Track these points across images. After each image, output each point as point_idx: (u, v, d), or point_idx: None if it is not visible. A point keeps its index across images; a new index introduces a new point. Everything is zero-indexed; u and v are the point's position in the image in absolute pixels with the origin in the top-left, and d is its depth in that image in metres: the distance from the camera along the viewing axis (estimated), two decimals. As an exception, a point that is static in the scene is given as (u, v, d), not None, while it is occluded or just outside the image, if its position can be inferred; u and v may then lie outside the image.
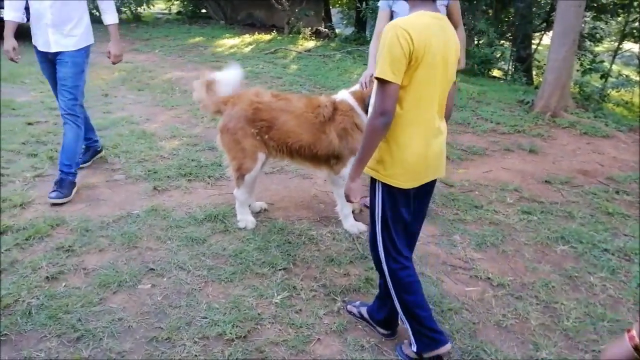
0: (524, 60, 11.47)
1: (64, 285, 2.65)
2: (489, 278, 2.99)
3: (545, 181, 4.59)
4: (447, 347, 2.19)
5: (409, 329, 2.22)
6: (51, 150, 4.46)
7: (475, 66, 9.98)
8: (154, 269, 2.83)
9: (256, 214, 3.58)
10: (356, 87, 3.25)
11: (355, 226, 3.40)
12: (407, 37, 1.84)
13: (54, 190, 3.56)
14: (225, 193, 3.83)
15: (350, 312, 2.59)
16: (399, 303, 2.21)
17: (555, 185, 4.52)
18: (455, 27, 3.42)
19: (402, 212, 2.12)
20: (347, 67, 9.16)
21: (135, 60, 9.41)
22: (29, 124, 5.23)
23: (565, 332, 2.57)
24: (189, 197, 3.79)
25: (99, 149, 4.38)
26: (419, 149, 2.02)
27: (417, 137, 2.01)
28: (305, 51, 10.87)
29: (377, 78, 1.89)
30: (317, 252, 3.13)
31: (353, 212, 3.63)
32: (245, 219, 3.37)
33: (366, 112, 3.10)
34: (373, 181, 2.12)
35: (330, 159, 3.25)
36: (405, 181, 2.05)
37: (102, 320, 2.41)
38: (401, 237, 2.18)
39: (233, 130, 3.20)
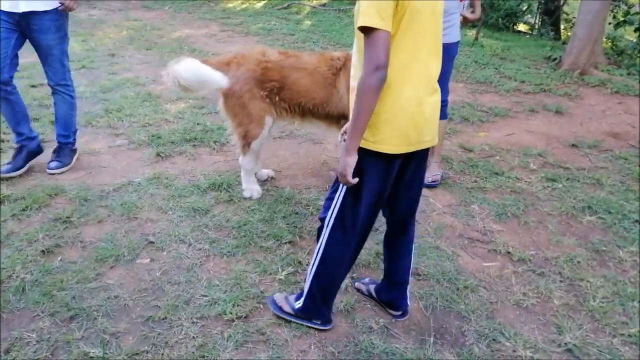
0: (552, 14, 10.79)
1: (60, 260, 2.54)
2: (508, 252, 2.79)
3: (572, 145, 4.29)
4: (326, 327, 2.18)
5: (306, 290, 2.12)
6: (53, 114, 4.30)
7: (499, 20, 9.45)
8: (153, 242, 2.70)
9: (262, 182, 3.40)
10: None
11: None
12: None
13: (52, 160, 3.42)
14: (231, 160, 3.66)
15: (358, 290, 2.43)
16: (316, 271, 2.06)
17: (582, 149, 4.22)
18: None
19: (380, 183, 1.89)
20: (363, 23, 8.71)
21: (144, 18, 9.12)
22: (32, 86, 5.08)
23: (591, 313, 2.37)
24: (193, 164, 3.62)
25: (36, 149, 3.49)
26: (411, 107, 1.77)
27: (409, 93, 1.75)
28: (320, 5, 10.41)
29: (363, 28, 1.61)
30: (325, 223, 2.96)
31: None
32: (251, 188, 3.20)
33: None
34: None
35: (340, 120, 3.04)
36: (398, 145, 1.80)
37: (97, 297, 2.30)
38: (366, 213, 1.95)
39: (239, 93, 2.97)
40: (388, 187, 1.94)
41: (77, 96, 4.81)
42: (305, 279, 2.15)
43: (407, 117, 1.78)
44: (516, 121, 4.81)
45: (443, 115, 3.32)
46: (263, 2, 10.85)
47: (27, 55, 3.62)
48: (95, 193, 3.15)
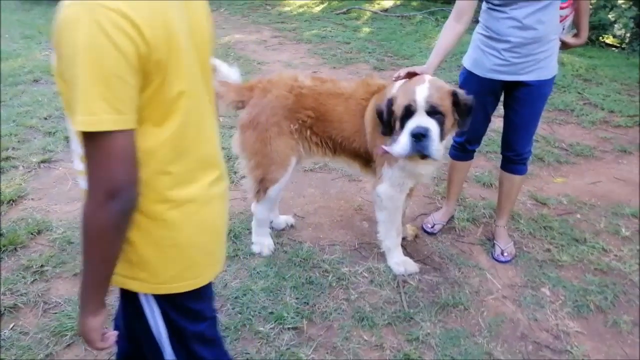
0: (647, 26, 9.45)
1: (12, 328, 2.08)
2: (590, 370, 2.04)
3: (678, 203, 3.38)
4: None
5: None
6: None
7: (584, 33, 8.32)
8: (127, 312, 2.19)
9: (279, 231, 2.82)
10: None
11: (403, 264, 2.53)
12: (124, 24, 0.90)
13: None
14: (248, 198, 3.10)
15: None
16: None
17: (692, 210, 3.31)
18: None
19: (199, 324, 1.27)
20: (427, 32, 7.95)
21: (197, 20, 8.84)
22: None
23: None
24: (203, 200, 3.10)
25: None
26: (210, 211, 1.17)
27: (198, 195, 1.14)
28: (382, 11, 9.71)
29: (83, 133, 0.94)
30: (344, 302, 2.32)
31: (405, 239, 2.76)
32: (262, 243, 2.63)
33: None
34: (131, 297, 1.19)
35: (370, 161, 2.43)
36: (200, 274, 1.20)
37: (35, 394, 1.80)
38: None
39: (264, 125, 2.39)
40: (212, 309, 1.36)
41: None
42: None
43: (207, 228, 1.17)
44: (603, 164, 3.93)
45: (523, 169, 2.60)
46: (321, 7, 10.30)
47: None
48: (82, 234, 2.70)
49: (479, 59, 2.39)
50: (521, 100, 2.36)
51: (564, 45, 2.46)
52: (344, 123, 2.41)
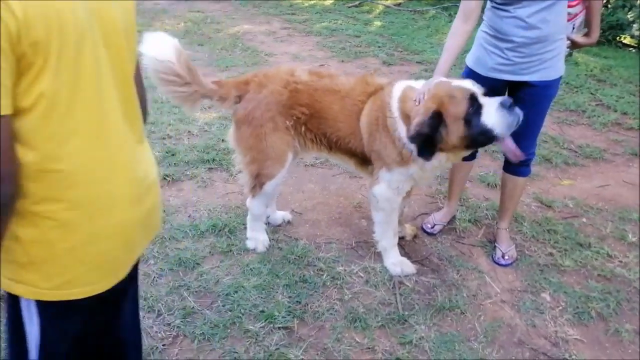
0: (665, 26, 9.22)
1: None
2: (588, 381, 1.97)
3: (688, 210, 3.28)
4: None
5: None
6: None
7: (600, 32, 8.13)
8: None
9: (275, 227, 2.78)
10: (418, 86, 2.22)
11: (400, 265, 2.48)
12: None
13: None
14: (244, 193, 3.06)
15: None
16: None
17: (703, 217, 3.21)
18: None
19: (87, 337, 1.19)
20: (440, 27, 7.82)
21: (207, 10, 8.79)
22: None
23: None
24: (201, 193, 3.06)
25: None
26: (109, 216, 1.08)
27: (99, 194, 1.06)
28: (395, 5, 9.58)
29: None
30: (337, 302, 2.27)
31: (403, 238, 2.71)
32: (256, 239, 2.58)
33: (404, 119, 2.16)
34: (14, 301, 1.10)
35: (365, 163, 2.37)
36: (95, 281, 1.10)
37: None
38: None
39: (259, 121, 2.33)
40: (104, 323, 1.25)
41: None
42: None
43: (111, 233, 1.09)
44: (613, 167, 3.83)
45: (526, 171, 2.53)
46: (334, -1, 10.18)
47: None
48: (77, 224, 2.68)
49: (482, 58, 2.32)
50: (525, 101, 2.29)
51: (574, 45, 2.37)
52: (339, 123, 2.34)
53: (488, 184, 3.39)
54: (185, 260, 2.44)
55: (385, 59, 6.19)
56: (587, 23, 2.37)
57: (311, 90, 2.34)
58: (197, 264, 2.44)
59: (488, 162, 3.69)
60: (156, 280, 2.31)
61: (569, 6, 2.20)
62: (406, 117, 2.14)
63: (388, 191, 2.32)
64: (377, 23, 8.20)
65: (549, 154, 3.86)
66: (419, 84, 2.22)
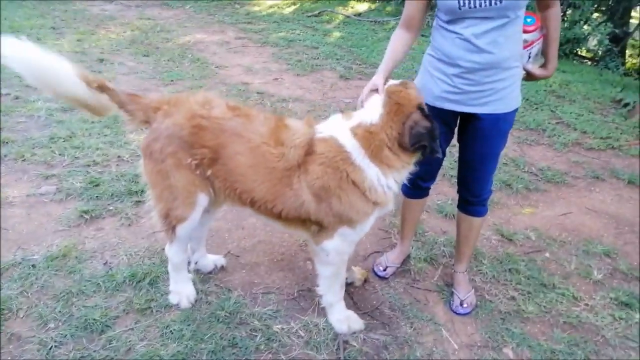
0: (619, 40, 9.34)
1: None
2: None
3: (654, 239, 3.12)
4: None
5: None
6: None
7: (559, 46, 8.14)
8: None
9: (206, 274, 2.43)
10: (360, 112, 1.91)
11: (346, 321, 2.16)
12: None
13: None
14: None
15: None
16: None
17: (668, 248, 3.05)
18: (547, 7, 2.01)
19: None
20: (399, 39, 7.61)
21: (159, 17, 8.35)
22: None
23: None
24: (124, 232, 2.68)
25: None
26: None
27: None
28: (355, 15, 9.38)
29: None
30: (271, 372, 1.95)
31: (351, 284, 2.41)
32: (180, 292, 2.22)
33: (376, 156, 1.82)
34: None
35: (307, 222, 1.99)
36: None
37: None
38: None
39: (159, 155, 1.95)
40: None
41: (30, 115, 4.01)
42: None
43: None
44: (575, 192, 3.65)
45: (482, 211, 2.27)
46: (293, 8, 9.90)
47: None
48: (-35, 277, 2.26)
49: (427, 84, 2.04)
50: (475, 136, 2.02)
51: (529, 76, 2.08)
52: (252, 182, 1.91)
53: (446, 215, 3.14)
54: (93, 322, 2.06)
55: (343, 72, 5.92)
56: (544, 53, 2.08)
57: (217, 131, 1.91)
58: (107, 326, 2.06)
59: (446, 189, 3.45)
60: (53, 350, 1.92)
61: (525, 32, 1.94)
62: (368, 141, 1.83)
63: (343, 245, 1.99)
64: (337, 34, 7.95)
65: (509, 179, 3.65)
66: (348, 113, 1.92)
